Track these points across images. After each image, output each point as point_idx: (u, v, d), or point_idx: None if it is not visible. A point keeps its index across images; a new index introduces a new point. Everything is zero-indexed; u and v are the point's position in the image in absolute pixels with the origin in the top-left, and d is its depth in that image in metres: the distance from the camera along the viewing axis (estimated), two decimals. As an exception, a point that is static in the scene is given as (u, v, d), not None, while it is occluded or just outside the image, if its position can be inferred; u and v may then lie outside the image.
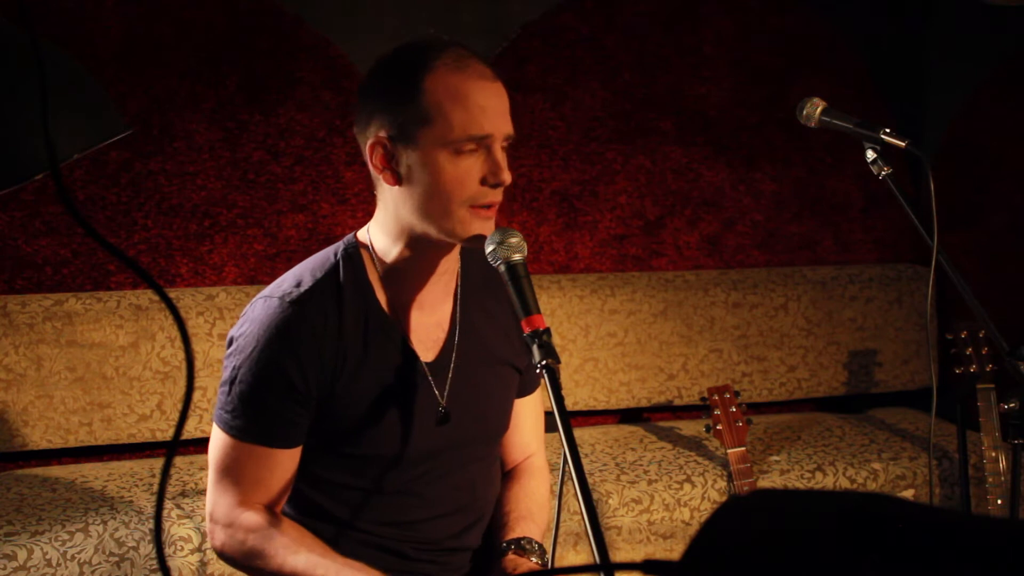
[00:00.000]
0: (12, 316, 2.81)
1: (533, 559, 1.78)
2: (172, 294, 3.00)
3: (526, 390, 1.95)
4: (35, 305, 2.84)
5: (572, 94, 3.42)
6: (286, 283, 1.72)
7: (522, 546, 1.79)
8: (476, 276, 1.83)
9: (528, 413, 1.97)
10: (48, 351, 2.81)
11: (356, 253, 1.74)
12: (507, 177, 1.64)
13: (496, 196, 1.65)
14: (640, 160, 3.48)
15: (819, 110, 2.11)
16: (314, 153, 3.18)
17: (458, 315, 1.80)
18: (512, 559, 1.77)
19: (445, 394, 1.77)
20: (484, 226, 1.65)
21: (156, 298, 2.91)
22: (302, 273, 1.73)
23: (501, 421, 1.88)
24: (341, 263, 1.73)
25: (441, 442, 1.77)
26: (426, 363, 1.76)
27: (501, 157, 1.64)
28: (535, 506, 1.90)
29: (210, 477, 1.74)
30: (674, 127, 3.52)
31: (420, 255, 1.71)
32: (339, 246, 1.76)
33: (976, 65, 3.54)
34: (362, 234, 1.76)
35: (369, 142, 1.66)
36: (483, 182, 1.63)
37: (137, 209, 3.03)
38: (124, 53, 3.01)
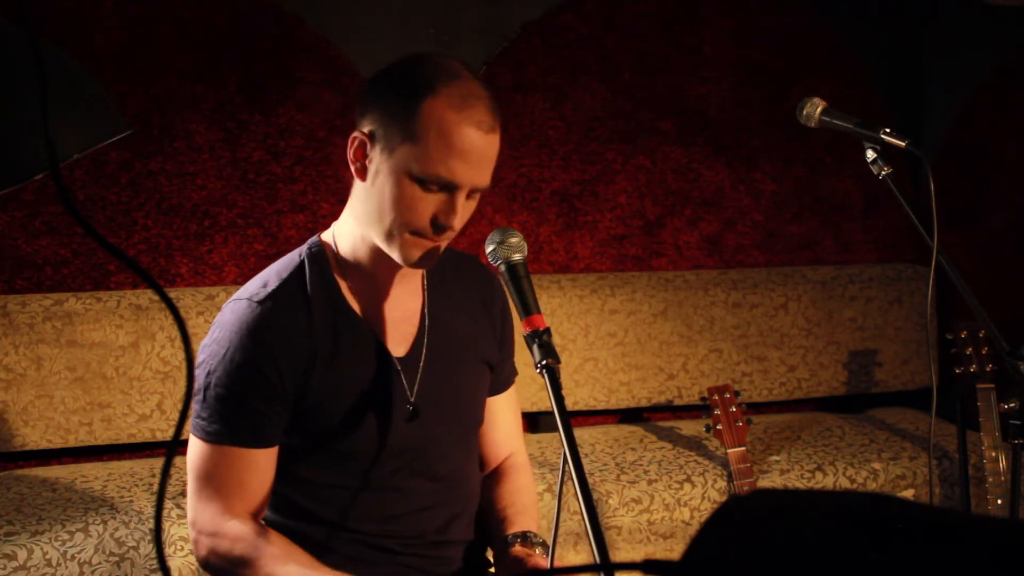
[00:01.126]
0: (12, 316, 2.81)
1: (538, 551, 1.80)
2: (172, 294, 2.99)
3: (499, 387, 1.95)
4: (35, 305, 2.84)
5: (572, 94, 3.42)
6: (252, 286, 1.73)
7: (528, 539, 1.82)
8: (443, 269, 1.84)
9: (504, 410, 1.97)
10: (48, 351, 2.81)
11: (320, 252, 1.75)
12: (456, 224, 1.63)
13: (439, 239, 1.65)
14: (640, 160, 3.48)
15: (819, 110, 2.11)
16: (314, 153, 3.18)
17: (427, 309, 1.81)
18: (520, 550, 1.80)
19: (415, 389, 1.78)
20: (424, 255, 1.65)
21: (156, 298, 2.91)
22: (268, 276, 1.74)
23: (474, 414, 1.89)
24: (306, 262, 1.74)
25: (414, 437, 1.78)
26: (397, 358, 1.77)
27: (461, 205, 1.63)
28: (528, 501, 1.93)
29: (190, 487, 1.74)
30: (674, 127, 3.52)
31: (379, 252, 1.71)
32: (303, 248, 1.77)
33: (976, 65, 3.54)
34: (326, 235, 1.78)
35: (354, 132, 1.67)
36: (432, 219, 1.62)
37: (137, 209, 3.03)
38: (124, 53, 3.01)
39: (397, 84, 1.65)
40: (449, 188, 1.62)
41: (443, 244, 1.68)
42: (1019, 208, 3.45)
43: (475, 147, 1.61)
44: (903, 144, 1.99)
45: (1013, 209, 3.46)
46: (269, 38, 3.15)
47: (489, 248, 1.63)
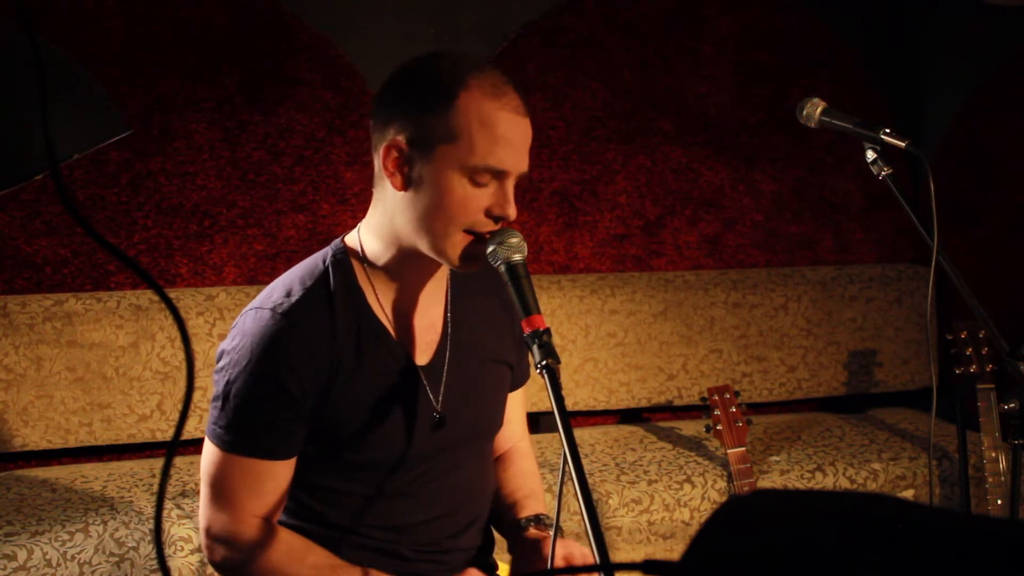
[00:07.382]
0: (12, 316, 2.81)
1: (551, 533, 1.81)
2: (172, 294, 2.99)
3: (517, 383, 1.96)
4: (35, 305, 2.84)
5: (572, 94, 3.42)
6: (276, 293, 1.69)
7: (542, 521, 1.84)
8: (466, 275, 1.83)
9: (516, 405, 1.98)
10: (48, 351, 2.81)
11: (345, 258, 1.72)
12: (512, 212, 1.62)
13: (495, 228, 1.64)
14: (640, 160, 3.48)
15: (819, 110, 2.11)
16: (314, 153, 3.18)
17: (450, 316, 1.79)
18: (535, 532, 1.83)
19: (440, 397, 1.77)
20: (476, 254, 1.63)
21: (156, 298, 2.91)
22: (291, 282, 1.70)
23: (495, 419, 1.89)
24: (331, 269, 1.71)
25: (436, 445, 1.77)
26: (420, 366, 1.75)
27: (512, 192, 1.63)
28: (534, 484, 1.95)
29: (204, 493, 1.72)
30: (674, 127, 3.52)
31: (410, 261, 1.69)
32: (327, 252, 1.74)
33: (976, 65, 3.54)
34: (350, 238, 1.74)
35: (385, 143, 1.63)
36: (487, 212, 1.61)
37: (137, 209, 3.03)
38: (124, 53, 3.01)
39: (423, 85, 1.62)
40: (499, 176, 1.61)
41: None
42: (1019, 208, 3.45)
43: (516, 132, 1.62)
44: (903, 144, 1.99)
45: (1013, 209, 3.46)
46: (269, 38, 3.15)
47: (489, 248, 1.61)
